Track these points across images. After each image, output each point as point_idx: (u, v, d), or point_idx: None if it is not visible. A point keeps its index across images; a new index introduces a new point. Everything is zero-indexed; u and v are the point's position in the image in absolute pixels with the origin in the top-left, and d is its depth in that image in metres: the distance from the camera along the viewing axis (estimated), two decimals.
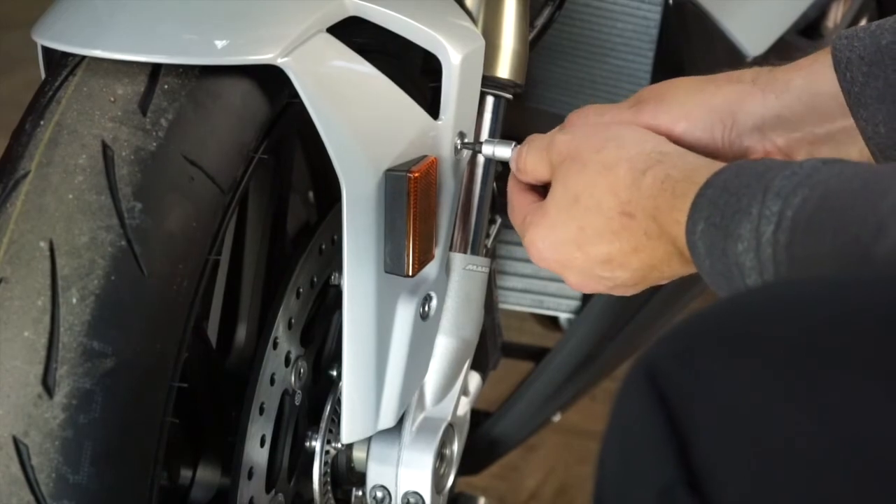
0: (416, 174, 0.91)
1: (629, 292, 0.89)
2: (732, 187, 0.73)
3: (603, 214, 0.83)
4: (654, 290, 1.46)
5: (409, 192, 0.91)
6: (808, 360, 0.53)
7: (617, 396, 0.60)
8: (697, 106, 0.89)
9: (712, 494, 0.52)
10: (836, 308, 0.55)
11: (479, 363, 1.18)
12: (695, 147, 0.88)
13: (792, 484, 0.50)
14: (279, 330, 1.00)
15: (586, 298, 1.41)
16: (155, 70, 0.86)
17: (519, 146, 0.94)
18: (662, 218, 0.80)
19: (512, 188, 0.93)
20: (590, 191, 0.84)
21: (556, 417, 1.53)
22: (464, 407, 1.13)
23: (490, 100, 1.03)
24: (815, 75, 0.87)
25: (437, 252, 0.99)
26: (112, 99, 0.84)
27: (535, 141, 0.92)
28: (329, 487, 1.06)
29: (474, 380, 1.18)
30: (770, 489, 0.51)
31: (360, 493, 1.07)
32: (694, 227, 0.75)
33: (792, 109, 0.88)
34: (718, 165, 0.78)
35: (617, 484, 0.58)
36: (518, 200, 0.92)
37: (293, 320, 1.01)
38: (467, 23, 1.01)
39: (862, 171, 0.68)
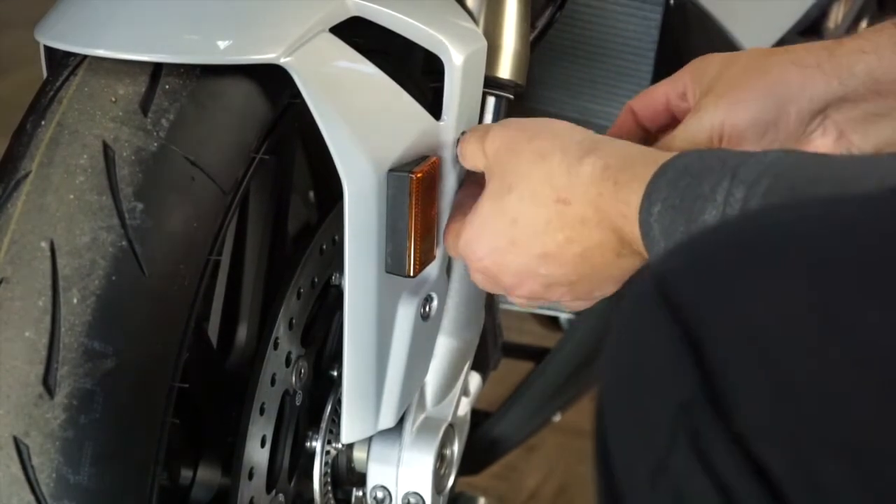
0: (419, 175, 0.91)
1: (567, 295, 0.88)
2: (694, 170, 0.73)
3: (537, 204, 0.83)
4: None
5: (412, 193, 0.91)
6: (833, 274, 0.52)
7: (623, 313, 0.58)
8: (764, 96, 0.89)
9: (732, 409, 0.51)
10: (857, 222, 0.54)
11: (479, 363, 1.18)
12: (754, 129, 0.89)
13: (814, 399, 0.49)
14: (280, 330, 0.99)
15: None
16: (156, 70, 0.86)
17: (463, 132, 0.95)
18: (605, 206, 0.79)
19: (451, 219, 0.94)
20: (525, 181, 0.83)
21: (556, 417, 1.53)
22: (464, 407, 1.13)
23: (491, 100, 1.03)
24: (879, 58, 0.87)
25: (439, 252, 0.98)
26: (113, 99, 0.84)
27: (475, 129, 0.93)
28: (329, 488, 1.06)
29: (474, 380, 1.18)
30: (791, 404, 0.50)
31: (361, 493, 1.07)
32: (650, 207, 0.75)
33: (855, 92, 0.88)
34: (654, 153, 0.78)
35: (630, 403, 0.56)
36: (454, 225, 0.93)
37: (294, 321, 1.01)
38: (469, 23, 1.00)
39: (829, 161, 0.68)
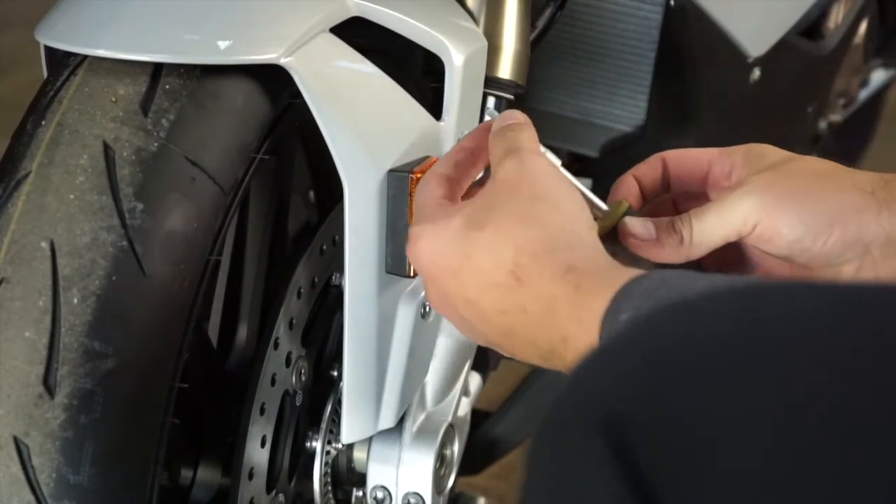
0: (419, 175, 0.91)
1: (477, 342, 0.82)
2: (676, 285, 0.67)
3: (494, 261, 0.75)
4: None
5: (412, 193, 0.91)
6: (824, 402, 0.43)
7: (551, 449, 0.47)
8: (817, 202, 0.82)
9: None
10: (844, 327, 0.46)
11: (480, 363, 1.18)
12: (789, 233, 0.82)
13: None
14: (280, 330, 0.99)
15: None
16: (156, 70, 0.86)
17: (504, 121, 0.84)
18: (560, 310, 0.72)
19: (434, 174, 0.84)
20: (497, 231, 0.76)
21: None
22: (464, 407, 1.13)
23: (491, 100, 1.03)
24: None
25: None
26: (113, 99, 0.84)
27: (505, 132, 0.82)
28: (329, 488, 1.06)
29: (474, 380, 1.18)
30: None
31: (361, 493, 1.07)
32: (616, 315, 0.68)
33: None
34: (627, 271, 0.72)
35: None
36: (433, 188, 0.83)
37: (294, 321, 1.01)
38: (469, 23, 1.00)
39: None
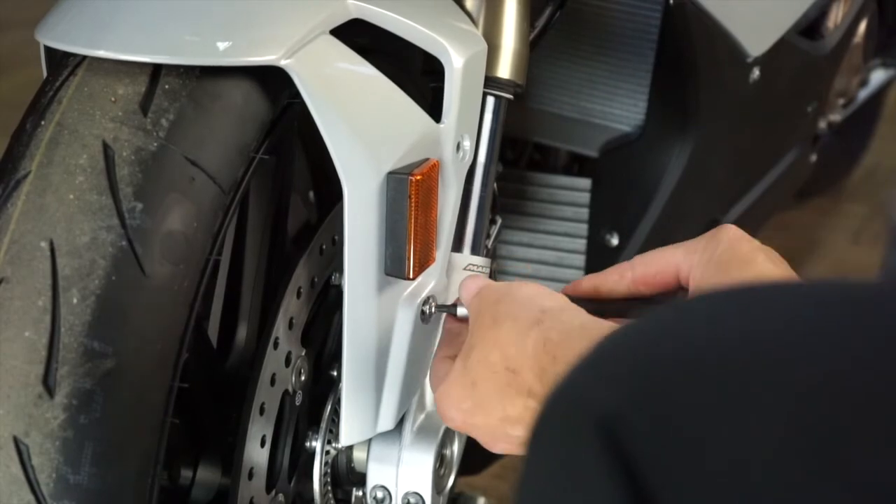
0: (418, 177, 0.91)
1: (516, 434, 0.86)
2: None
3: (490, 369, 0.82)
4: None
5: (411, 195, 0.91)
6: (829, 406, 0.41)
7: (544, 450, 0.46)
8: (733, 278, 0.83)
9: None
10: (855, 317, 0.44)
11: None
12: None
13: None
14: (280, 330, 0.99)
15: None
16: (156, 70, 0.86)
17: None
18: (548, 381, 0.78)
19: (436, 355, 0.93)
20: (481, 344, 0.83)
21: None
22: None
23: (491, 100, 1.03)
24: None
25: (438, 255, 0.98)
26: (113, 99, 0.84)
27: (473, 279, 0.91)
28: (329, 488, 1.06)
29: None
30: None
31: (361, 493, 1.07)
32: None
33: None
34: (595, 327, 0.77)
35: None
36: (437, 366, 0.91)
37: (294, 320, 1.01)
38: (469, 25, 1.00)
39: None
